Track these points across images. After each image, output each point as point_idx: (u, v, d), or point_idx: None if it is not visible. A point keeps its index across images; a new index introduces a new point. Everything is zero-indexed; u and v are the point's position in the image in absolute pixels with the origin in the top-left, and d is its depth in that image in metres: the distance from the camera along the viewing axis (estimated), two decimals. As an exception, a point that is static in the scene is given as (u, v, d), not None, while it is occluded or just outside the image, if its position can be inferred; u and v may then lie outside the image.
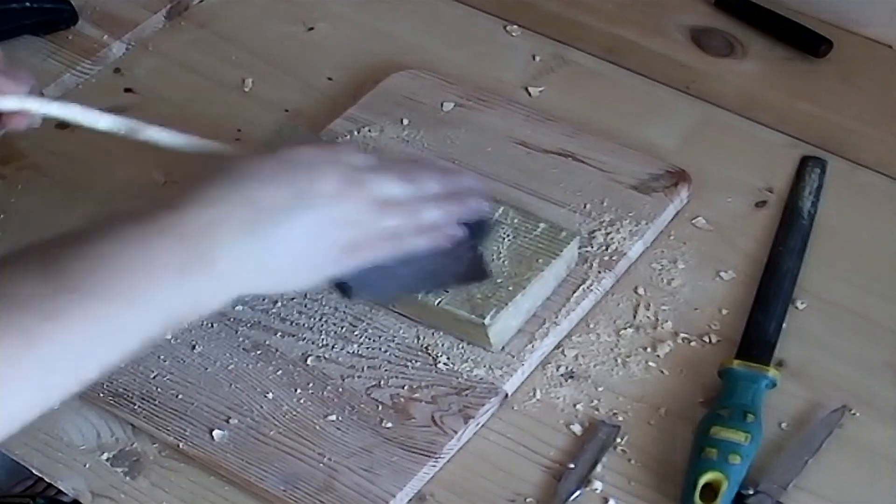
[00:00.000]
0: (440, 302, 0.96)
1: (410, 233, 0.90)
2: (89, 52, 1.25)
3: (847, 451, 0.92)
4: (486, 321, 0.95)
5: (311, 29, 1.27)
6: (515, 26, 1.25)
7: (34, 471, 0.96)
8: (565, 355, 0.98)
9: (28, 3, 1.25)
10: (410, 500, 0.91)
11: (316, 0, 1.29)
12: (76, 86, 1.23)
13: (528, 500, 0.91)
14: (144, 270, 0.79)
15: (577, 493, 0.90)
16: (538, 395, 0.96)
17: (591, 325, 1.00)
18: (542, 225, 1.01)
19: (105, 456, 0.96)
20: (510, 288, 0.97)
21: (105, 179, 1.13)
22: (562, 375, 0.97)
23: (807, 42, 1.19)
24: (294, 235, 0.85)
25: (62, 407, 0.98)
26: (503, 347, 0.97)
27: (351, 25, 1.27)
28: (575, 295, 1.00)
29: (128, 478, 0.94)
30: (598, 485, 0.91)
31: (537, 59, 1.22)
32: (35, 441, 0.97)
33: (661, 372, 0.97)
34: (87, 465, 0.95)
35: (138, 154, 1.15)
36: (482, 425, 0.95)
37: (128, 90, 1.22)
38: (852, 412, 0.94)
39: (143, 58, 1.26)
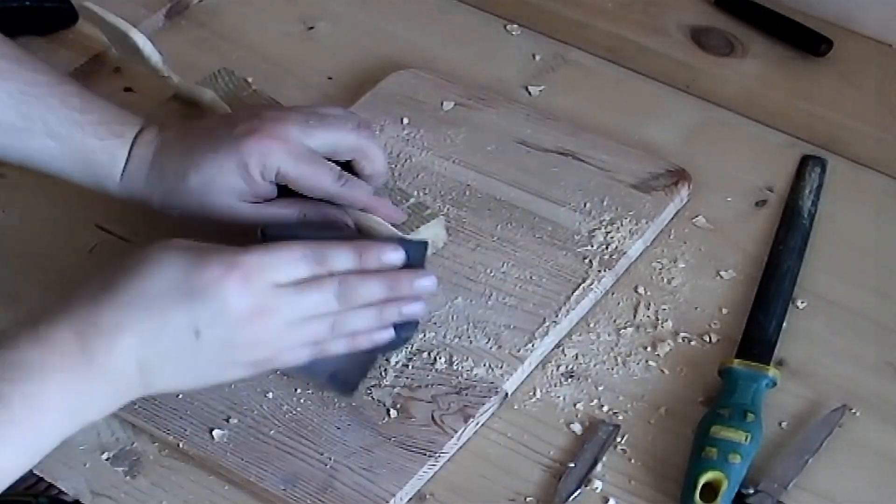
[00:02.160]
0: None
1: (330, 340, 0.88)
2: (89, 52, 1.24)
3: (848, 451, 0.92)
4: None
5: (311, 28, 1.27)
6: (515, 25, 1.25)
7: (34, 470, 0.96)
8: (565, 354, 0.98)
9: (28, 3, 1.25)
10: (410, 499, 0.91)
11: (316, 0, 1.29)
12: (76, 85, 1.23)
13: (528, 499, 0.91)
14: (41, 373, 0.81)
15: (578, 492, 0.90)
16: (538, 395, 0.96)
17: (592, 325, 1.00)
18: (412, 200, 1.02)
19: (105, 455, 0.95)
20: None
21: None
22: (562, 374, 0.97)
23: (807, 41, 1.19)
24: (198, 353, 0.84)
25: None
26: (503, 346, 0.97)
27: (351, 25, 1.26)
28: (575, 294, 1.00)
29: (128, 477, 0.94)
30: (598, 484, 0.91)
31: (537, 58, 1.21)
32: (35, 440, 0.97)
33: (662, 371, 0.97)
34: (87, 465, 0.95)
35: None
36: (482, 424, 0.95)
37: (127, 89, 1.22)
38: (853, 411, 0.94)
39: (143, 57, 1.26)
